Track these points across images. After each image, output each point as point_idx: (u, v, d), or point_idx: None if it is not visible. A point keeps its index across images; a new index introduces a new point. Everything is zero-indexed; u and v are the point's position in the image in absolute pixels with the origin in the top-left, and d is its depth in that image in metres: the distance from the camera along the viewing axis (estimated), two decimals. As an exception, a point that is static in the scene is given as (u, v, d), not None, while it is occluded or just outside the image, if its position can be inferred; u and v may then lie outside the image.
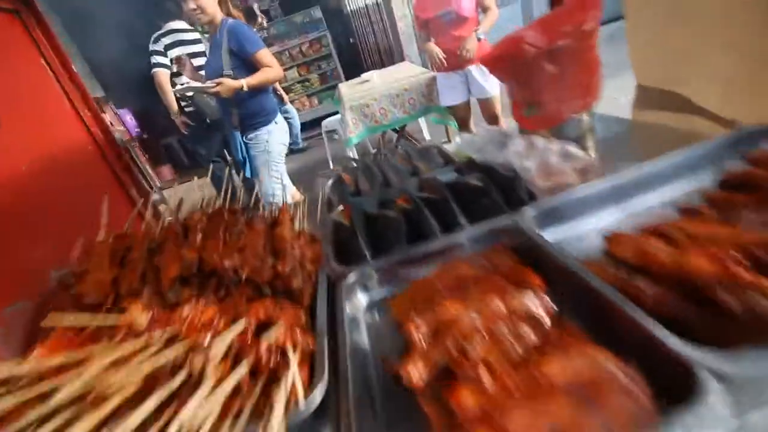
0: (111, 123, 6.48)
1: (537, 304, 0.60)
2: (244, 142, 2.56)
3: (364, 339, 0.75)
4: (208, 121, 2.96)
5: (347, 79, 6.18)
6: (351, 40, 7.22)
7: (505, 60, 1.21)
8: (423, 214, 0.92)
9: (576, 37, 1.10)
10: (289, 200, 2.85)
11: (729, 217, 0.60)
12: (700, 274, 0.48)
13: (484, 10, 2.76)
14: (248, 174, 2.63)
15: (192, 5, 2.25)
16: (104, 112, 6.51)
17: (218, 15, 2.34)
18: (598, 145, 1.32)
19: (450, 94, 3.09)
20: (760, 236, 0.47)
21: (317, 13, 7.18)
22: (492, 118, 3.10)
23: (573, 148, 1.09)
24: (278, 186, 2.70)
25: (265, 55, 2.35)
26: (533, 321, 0.59)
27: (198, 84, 2.36)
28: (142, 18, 6.97)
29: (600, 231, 0.82)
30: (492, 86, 2.92)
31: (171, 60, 3.13)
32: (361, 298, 0.83)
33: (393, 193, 1.20)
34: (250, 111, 2.48)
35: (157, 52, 3.15)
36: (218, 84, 2.28)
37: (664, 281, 0.55)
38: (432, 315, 0.63)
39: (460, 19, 2.71)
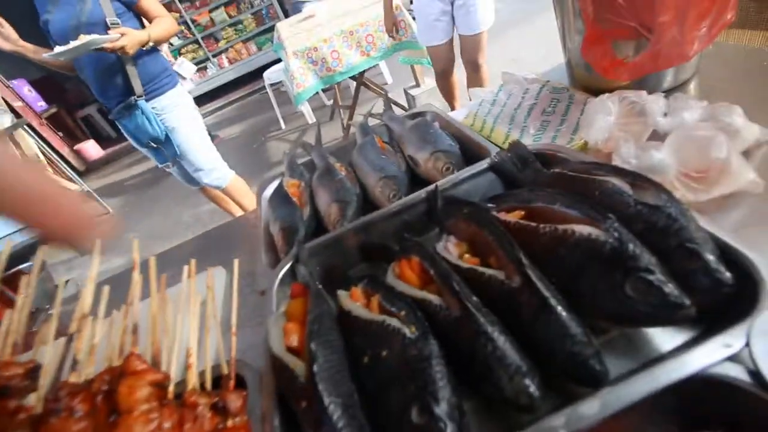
0: (3, 99, 5.25)
1: None
2: (154, 115, 1.85)
3: None
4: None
5: (287, 16, 5.18)
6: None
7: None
8: (486, 337, 0.38)
9: None
10: (232, 190, 2.20)
11: None
12: None
13: None
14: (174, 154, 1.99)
15: None
16: (-10, 86, 5.25)
17: None
18: (709, 95, 0.79)
19: (429, 31, 2.15)
20: None
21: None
22: (474, 65, 2.23)
23: (737, 115, 0.56)
24: (219, 160, 2.13)
25: (154, 0, 1.80)
26: None
27: (89, 39, 1.54)
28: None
29: None
30: (486, 16, 2.05)
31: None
32: None
33: (385, 229, 0.64)
34: (152, 72, 1.82)
35: None
36: (123, 35, 1.59)
37: None
38: None
39: None
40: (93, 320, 0.46)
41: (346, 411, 0.37)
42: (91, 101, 7.16)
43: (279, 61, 4.01)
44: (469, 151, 0.78)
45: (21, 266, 1.35)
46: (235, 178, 2.20)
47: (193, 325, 0.51)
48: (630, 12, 0.61)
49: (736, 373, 0.32)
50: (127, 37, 1.61)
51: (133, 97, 1.77)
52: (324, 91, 4.20)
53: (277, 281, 0.62)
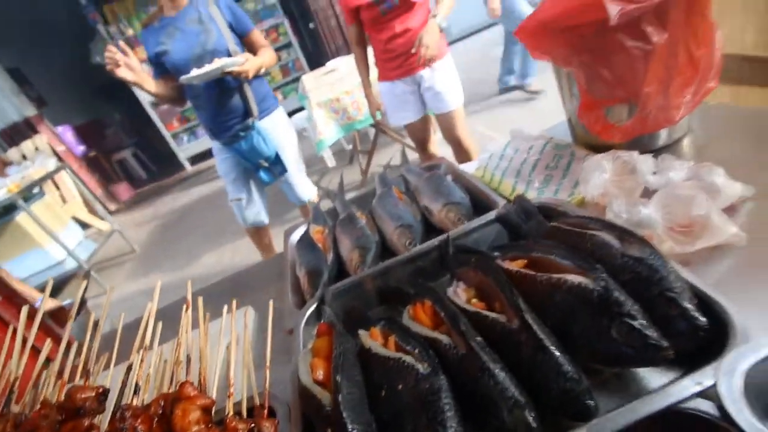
0: (49, 143, 5.70)
1: None
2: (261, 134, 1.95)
3: None
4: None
5: (311, 69, 5.56)
6: (311, 26, 6.54)
7: (567, 28, 0.72)
8: (490, 373, 0.43)
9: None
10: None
11: None
12: None
13: None
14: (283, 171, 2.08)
15: None
16: (37, 132, 5.71)
17: None
18: (700, 154, 0.85)
19: (400, 111, 2.21)
20: None
21: (271, -4, 6.47)
22: (454, 142, 2.24)
23: (718, 175, 0.62)
24: (309, 181, 2.26)
25: (259, 33, 1.96)
26: None
27: (222, 62, 1.68)
28: (78, 14, 6.11)
29: None
30: (454, 96, 2.11)
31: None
32: None
33: (400, 274, 0.71)
34: (262, 94, 1.97)
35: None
36: (247, 60, 1.75)
37: None
38: None
39: (404, 5, 1.88)
40: (148, 351, 0.53)
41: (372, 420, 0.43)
42: (127, 146, 7.70)
43: (302, 108, 4.28)
44: (478, 202, 0.85)
45: (63, 303, 1.46)
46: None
47: (230, 359, 0.58)
48: (618, 84, 0.70)
49: (707, 407, 0.36)
50: (250, 61, 1.75)
51: (251, 119, 1.89)
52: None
53: (304, 321, 0.69)
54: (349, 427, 0.42)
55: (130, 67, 1.60)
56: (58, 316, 1.18)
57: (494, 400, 0.42)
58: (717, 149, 0.82)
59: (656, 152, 0.79)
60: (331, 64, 3.73)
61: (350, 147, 4.36)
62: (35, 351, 0.54)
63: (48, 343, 0.56)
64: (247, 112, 1.90)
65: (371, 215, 0.94)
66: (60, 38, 6.61)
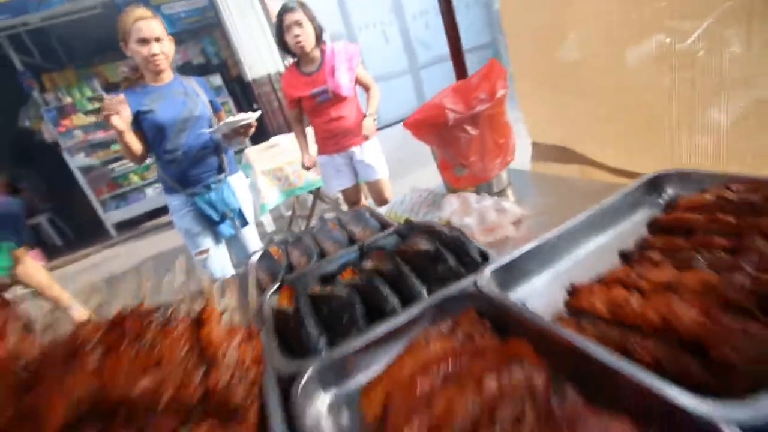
0: (-46, 206, 5.31)
1: (534, 377, 0.55)
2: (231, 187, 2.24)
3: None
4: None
5: (254, 144, 6.06)
6: (255, 106, 7.20)
7: (429, 125, 1.26)
8: (376, 287, 0.85)
9: (491, 103, 1.19)
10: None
11: (676, 261, 0.64)
12: (689, 326, 0.48)
13: (365, 88, 2.60)
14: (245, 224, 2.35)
15: (156, 49, 1.94)
16: (-56, 193, 5.33)
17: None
18: (518, 196, 1.42)
19: (336, 179, 2.76)
20: (730, 280, 0.50)
21: (216, 80, 7.08)
22: (382, 204, 2.69)
23: (506, 203, 1.14)
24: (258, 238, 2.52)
25: (225, 114, 2.33)
26: (534, 397, 0.53)
27: (247, 116, 1.99)
28: (13, 79, 6.08)
29: (556, 282, 0.83)
30: (380, 167, 2.70)
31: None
32: (323, 398, 0.71)
33: (333, 266, 1.11)
34: (229, 154, 2.30)
35: None
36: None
37: (647, 334, 0.54)
38: (422, 410, 0.54)
39: (336, 98, 2.47)
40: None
41: (318, 323, 0.80)
42: (42, 211, 7.28)
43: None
44: (384, 227, 1.30)
45: None
46: None
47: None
48: (457, 155, 1.24)
49: (474, 289, 0.81)
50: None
51: (223, 174, 2.20)
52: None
53: (269, 294, 1.04)
54: (303, 314, 0.80)
55: (123, 117, 1.85)
56: None
57: (381, 306, 0.82)
58: (525, 193, 1.39)
59: (494, 194, 1.32)
60: (273, 140, 4.24)
61: (289, 213, 4.74)
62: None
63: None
64: (221, 168, 2.22)
65: (314, 239, 1.35)
66: (-15, 100, 6.48)
